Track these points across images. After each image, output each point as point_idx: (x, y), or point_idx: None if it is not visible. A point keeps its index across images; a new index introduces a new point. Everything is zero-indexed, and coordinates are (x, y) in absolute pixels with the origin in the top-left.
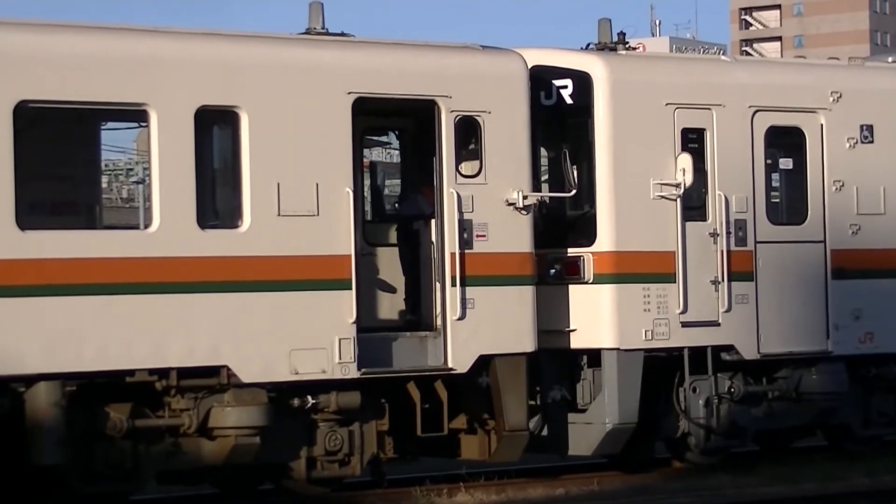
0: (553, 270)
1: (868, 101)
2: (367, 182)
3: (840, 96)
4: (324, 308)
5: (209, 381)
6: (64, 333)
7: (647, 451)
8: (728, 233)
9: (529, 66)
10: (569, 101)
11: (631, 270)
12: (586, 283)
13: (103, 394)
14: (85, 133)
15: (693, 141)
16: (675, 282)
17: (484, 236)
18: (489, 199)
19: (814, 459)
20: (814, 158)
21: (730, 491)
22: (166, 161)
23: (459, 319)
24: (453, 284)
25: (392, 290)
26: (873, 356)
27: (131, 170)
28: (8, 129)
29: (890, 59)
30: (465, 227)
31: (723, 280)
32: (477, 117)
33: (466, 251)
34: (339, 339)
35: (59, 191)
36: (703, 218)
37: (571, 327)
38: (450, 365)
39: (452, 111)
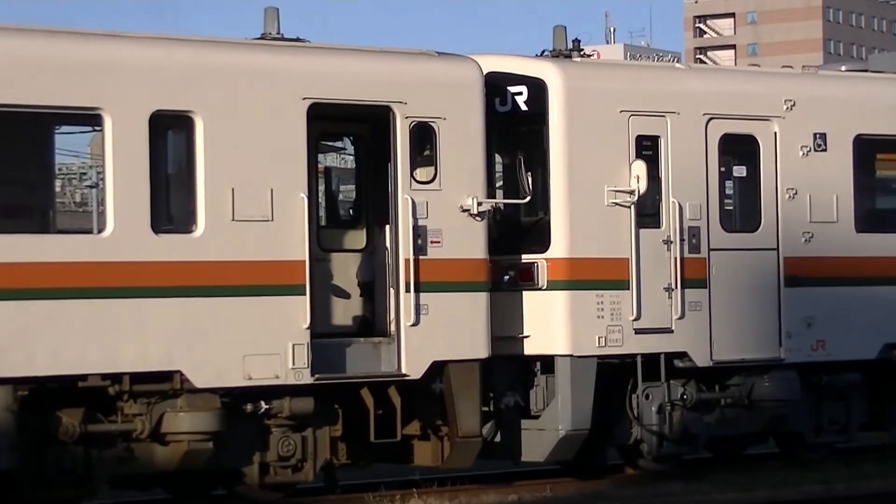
0: (507, 277)
1: (821, 109)
2: (321, 188)
3: (794, 104)
4: (278, 313)
5: (162, 386)
6: (16, 338)
7: (599, 457)
8: (682, 240)
9: (485, 73)
10: (524, 107)
11: (585, 277)
12: (540, 289)
13: (56, 398)
14: (39, 137)
15: (647, 148)
16: (628, 289)
17: (438, 242)
18: (444, 206)
19: (766, 466)
20: (767, 166)
21: (682, 497)
22: (120, 165)
23: (413, 325)
24: (407, 290)
25: (346, 295)
26: (825, 364)
27: (85, 174)
28: None
29: (843, 68)
30: (419, 233)
31: (676, 287)
32: (432, 123)
33: (421, 257)
34: (293, 345)
35: (12, 194)
36: (657, 225)
37: (525, 334)
38: (403, 371)
39: (407, 117)
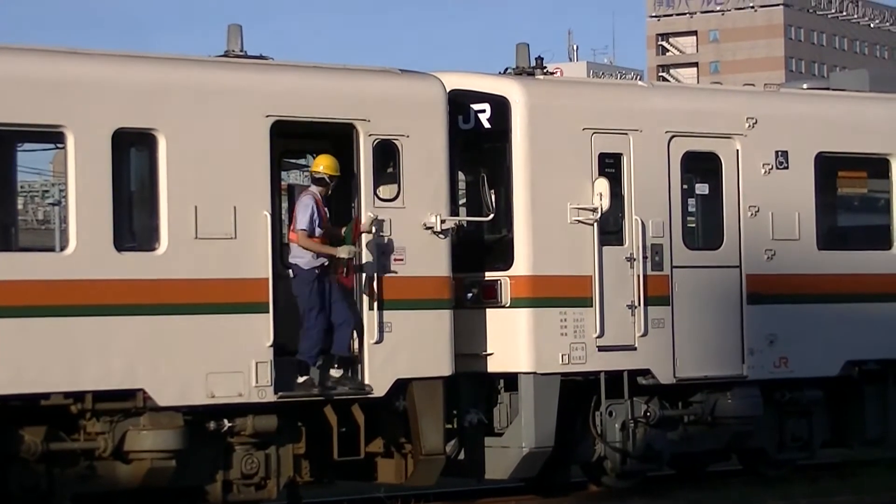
0: (470, 294)
1: (783, 127)
2: (284, 205)
3: (756, 122)
4: (241, 331)
5: (125, 404)
6: None
7: (563, 474)
8: (644, 257)
9: (448, 91)
10: (487, 125)
11: (548, 294)
12: (503, 306)
13: (18, 416)
14: (0, 154)
15: (610, 166)
16: (591, 306)
17: (402, 260)
18: (407, 223)
19: (729, 484)
20: (729, 184)
21: None
22: (83, 183)
23: (377, 343)
24: (371, 308)
25: None
26: (788, 380)
27: (47, 191)
28: None
29: (805, 86)
30: (382, 250)
31: (639, 304)
32: (395, 141)
33: (384, 275)
34: (256, 363)
35: None
36: (620, 242)
37: (488, 351)
38: (367, 388)
39: (371, 135)
